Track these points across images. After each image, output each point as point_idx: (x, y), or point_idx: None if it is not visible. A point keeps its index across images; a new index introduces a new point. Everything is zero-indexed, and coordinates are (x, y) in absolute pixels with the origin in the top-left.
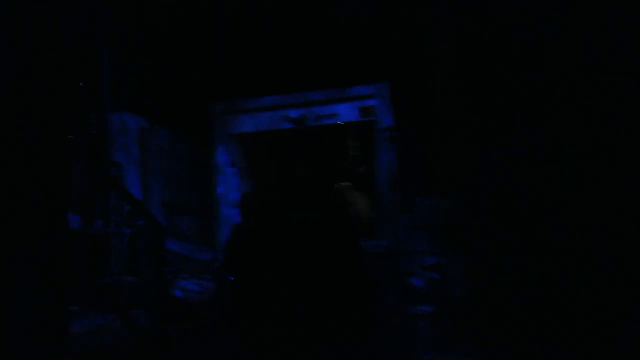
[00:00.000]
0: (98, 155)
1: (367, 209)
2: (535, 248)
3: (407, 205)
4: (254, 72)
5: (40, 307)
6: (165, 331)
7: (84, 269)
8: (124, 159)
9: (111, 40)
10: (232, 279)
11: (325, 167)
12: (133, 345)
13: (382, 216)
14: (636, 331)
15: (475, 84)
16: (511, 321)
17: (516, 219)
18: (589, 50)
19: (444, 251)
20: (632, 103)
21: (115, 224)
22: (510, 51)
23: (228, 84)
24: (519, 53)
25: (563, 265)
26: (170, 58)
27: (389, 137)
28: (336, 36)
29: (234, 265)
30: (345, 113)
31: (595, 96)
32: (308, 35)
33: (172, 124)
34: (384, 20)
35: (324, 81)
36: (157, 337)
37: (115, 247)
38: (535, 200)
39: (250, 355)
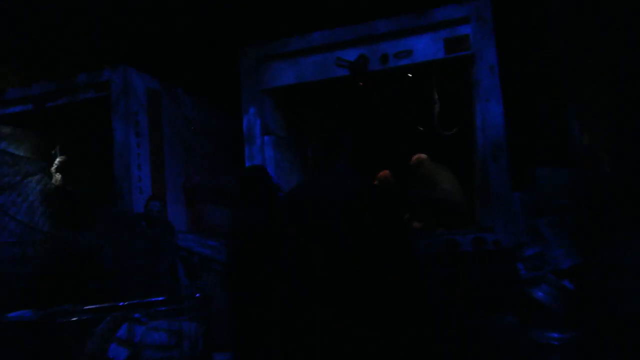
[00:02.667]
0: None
1: (456, 189)
2: None
3: (522, 180)
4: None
5: None
6: None
7: None
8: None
9: None
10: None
11: (394, 132)
12: None
13: (485, 198)
14: None
15: None
16: None
17: None
18: None
19: (583, 248)
20: None
21: None
22: None
23: (261, 18)
24: None
25: None
26: None
27: (495, 79)
28: None
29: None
30: (424, 48)
31: None
32: None
33: (190, 83)
34: None
35: (392, 4)
36: None
37: None
38: None
39: None
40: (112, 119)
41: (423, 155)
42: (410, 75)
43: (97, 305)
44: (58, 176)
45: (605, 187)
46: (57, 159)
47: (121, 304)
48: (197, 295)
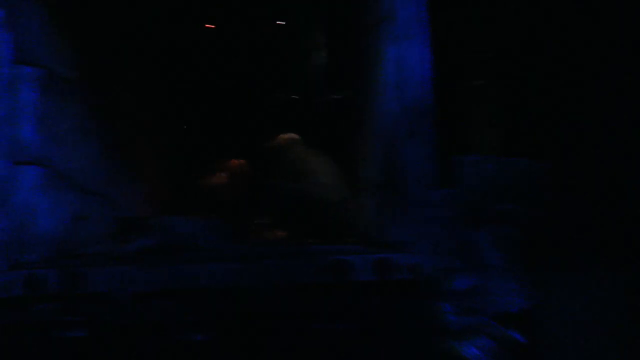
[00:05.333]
0: None
1: (337, 184)
2: None
3: (444, 170)
4: None
5: None
6: None
7: None
8: None
9: None
10: None
11: (249, 101)
12: None
13: (393, 196)
14: None
15: None
16: None
17: None
18: None
19: (544, 281)
20: None
21: None
22: None
23: None
24: None
25: None
26: None
27: (420, 5)
28: None
29: None
30: None
31: None
32: None
33: None
34: None
35: None
36: None
37: None
38: None
39: None
40: None
41: (294, 135)
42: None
43: None
44: None
45: (578, 185)
46: None
47: None
48: None
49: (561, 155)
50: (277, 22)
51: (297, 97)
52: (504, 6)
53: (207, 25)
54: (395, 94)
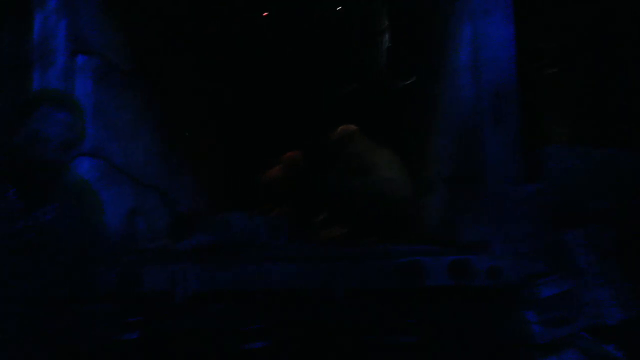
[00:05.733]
0: None
1: (402, 178)
2: None
3: (528, 163)
4: None
5: None
6: None
7: None
8: None
9: None
10: None
11: (309, 91)
12: None
13: (470, 190)
14: None
15: None
16: None
17: None
18: None
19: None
20: None
21: None
22: None
23: None
24: None
25: None
26: None
27: None
28: None
29: None
30: None
31: None
32: None
33: None
34: None
35: None
36: None
37: None
38: None
39: None
40: None
41: (353, 127)
42: None
43: None
44: None
45: None
46: None
47: None
48: None
49: None
50: (336, 7)
51: (357, 86)
52: None
53: (262, 14)
54: (471, 77)
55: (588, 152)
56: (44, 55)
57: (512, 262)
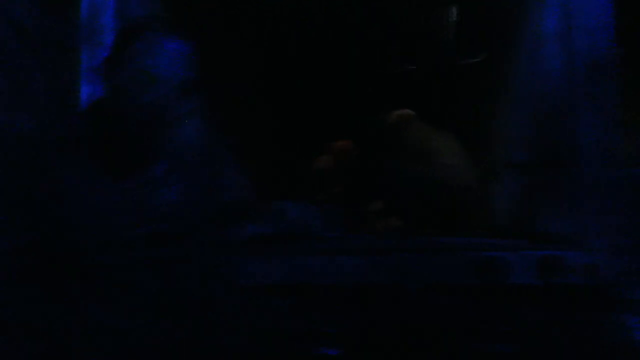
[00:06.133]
0: None
1: (465, 166)
2: None
3: (623, 144)
4: None
5: None
6: None
7: None
8: None
9: None
10: None
11: (361, 71)
12: None
13: (557, 176)
14: None
15: None
16: None
17: None
18: None
19: None
20: None
21: None
22: None
23: None
24: None
25: None
26: None
27: None
28: None
29: None
30: None
31: None
32: None
33: None
34: None
35: None
36: None
37: None
38: None
39: None
40: None
41: (410, 112)
42: None
43: None
44: None
45: None
46: None
47: None
48: None
49: None
50: None
51: (414, 66)
52: None
53: None
54: (559, 47)
55: None
56: (91, 34)
57: (609, 258)
